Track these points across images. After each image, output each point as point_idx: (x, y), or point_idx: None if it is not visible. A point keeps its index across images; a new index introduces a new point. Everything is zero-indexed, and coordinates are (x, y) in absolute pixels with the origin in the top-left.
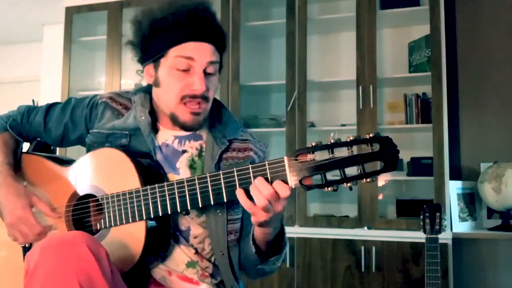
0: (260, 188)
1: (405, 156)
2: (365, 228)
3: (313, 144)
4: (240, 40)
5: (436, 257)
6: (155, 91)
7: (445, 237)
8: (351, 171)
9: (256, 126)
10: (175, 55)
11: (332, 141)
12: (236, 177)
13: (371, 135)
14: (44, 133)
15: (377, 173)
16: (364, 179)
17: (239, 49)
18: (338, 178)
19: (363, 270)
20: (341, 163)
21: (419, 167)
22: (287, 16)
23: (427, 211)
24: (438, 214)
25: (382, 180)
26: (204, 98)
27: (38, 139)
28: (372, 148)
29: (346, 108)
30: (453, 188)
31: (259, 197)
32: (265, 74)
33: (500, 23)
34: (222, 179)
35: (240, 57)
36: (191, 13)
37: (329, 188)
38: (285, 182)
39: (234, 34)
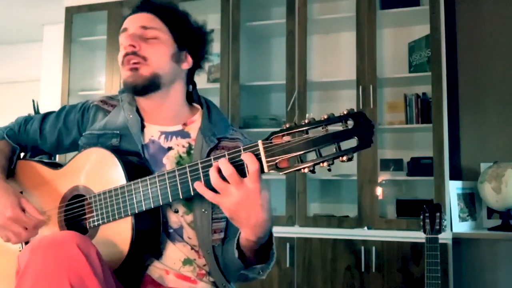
0: (221, 167)
1: (405, 156)
2: (365, 228)
3: (287, 125)
4: (240, 40)
5: (436, 257)
6: None
7: (445, 237)
8: (329, 151)
9: (256, 126)
10: (119, 36)
11: (306, 121)
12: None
13: (344, 112)
14: (40, 140)
15: (352, 150)
16: (341, 157)
17: (239, 49)
18: (314, 159)
19: (363, 270)
20: (316, 143)
21: (419, 167)
22: (287, 16)
23: (427, 211)
24: (438, 214)
25: (382, 180)
26: (137, 55)
27: (32, 152)
28: (347, 125)
29: (346, 108)
30: (453, 188)
31: (213, 174)
32: (265, 74)
33: (500, 22)
34: (200, 168)
35: (240, 57)
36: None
37: (305, 170)
38: (260, 166)
39: (234, 34)
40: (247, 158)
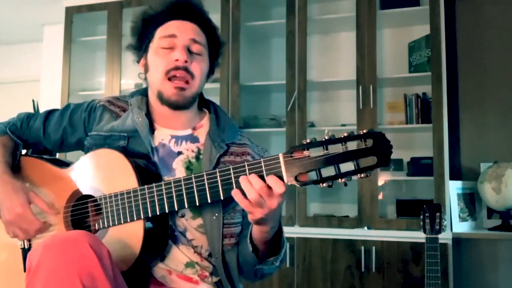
0: (252, 182)
1: (405, 156)
2: (365, 228)
3: (308, 141)
4: (240, 40)
5: (436, 257)
6: (148, 78)
7: (445, 237)
8: (346, 167)
9: (256, 126)
10: (159, 36)
11: (326, 137)
12: (232, 175)
13: (364, 131)
14: (43, 137)
15: (370, 168)
16: (359, 175)
17: (239, 49)
18: (333, 174)
19: (363, 270)
20: (335, 159)
21: (419, 167)
22: (287, 16)
23: (427, 211)
24: (438, 214)
25: (382, 180)
26: (187, 71)
27: (33, 149)
28: (366, 144)
29: (346, 108)
30: (453, 188)
31: (251, 190)
32: (265, 74)
33: (500, 23)
34: (218, 177)
35: (240, 57)
36: (176, 1)
37: (324, 184)
38: (281, 178)
39: (234, 34)
40: (272, 182)
